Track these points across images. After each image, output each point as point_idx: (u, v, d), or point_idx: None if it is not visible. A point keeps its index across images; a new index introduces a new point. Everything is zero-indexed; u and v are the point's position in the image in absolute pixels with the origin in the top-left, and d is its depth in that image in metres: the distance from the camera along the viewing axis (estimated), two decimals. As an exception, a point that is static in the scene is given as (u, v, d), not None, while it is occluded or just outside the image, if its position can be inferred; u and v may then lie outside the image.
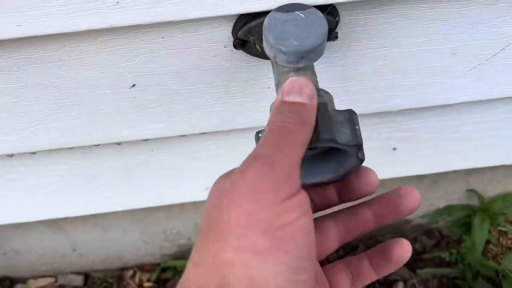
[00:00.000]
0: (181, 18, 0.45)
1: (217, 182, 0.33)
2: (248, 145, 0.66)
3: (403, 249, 0.39)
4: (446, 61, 0.57)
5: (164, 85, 0.55)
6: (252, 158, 0.31)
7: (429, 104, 0.62)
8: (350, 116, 0.39)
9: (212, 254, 0.28)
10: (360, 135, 0.39)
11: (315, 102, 0.36)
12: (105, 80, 0.53)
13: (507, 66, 0.58)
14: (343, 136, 0.37)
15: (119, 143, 0.65)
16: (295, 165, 0.31)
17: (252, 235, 0.27)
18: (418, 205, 0.40)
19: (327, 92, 0.43)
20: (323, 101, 0.39)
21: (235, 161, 0.76)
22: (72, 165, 0.69)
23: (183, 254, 1.10)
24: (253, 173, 0.29)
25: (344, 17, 0.49)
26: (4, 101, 0.54)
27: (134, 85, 0.54)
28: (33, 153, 0.64)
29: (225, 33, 0.49)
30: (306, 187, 0.33)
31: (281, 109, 0.34)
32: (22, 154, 0.64)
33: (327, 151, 0.42)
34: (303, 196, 0.30)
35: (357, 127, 0.39)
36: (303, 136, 0.33)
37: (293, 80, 0.36)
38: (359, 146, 0.39)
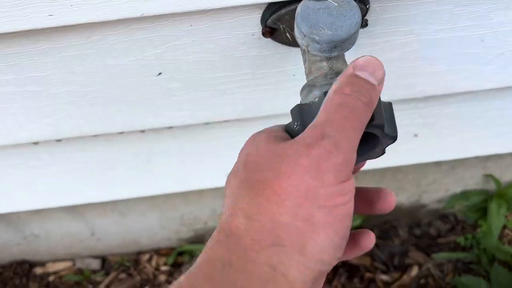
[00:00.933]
0: (212, 6, 0.44)
1: (271, 142, 0.33)
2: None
3: (370, 240, 0.39)
4: (474, 48, 0.56)
5: (190, 73, 0.55)
6: (320, 136, 0.31)
7: (454, 91, 0.62)
8: (390, 107, 0.39)
9: (268, 214, 0.29)
10: (396, 127, 0.39)
11: (382, 87, 0.36)
12: (132, 68, 0.53)
13: (536, 53, 0.57)
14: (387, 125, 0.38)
15: (143, 131, 0.65)
16: (355, 149, 0.32)
17: (310, 207, 0.29)
18: (390, 209, 0.41)
19: None
20: None
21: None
22: (95, 153, 0.69)
23: (199, 239, 1.11)
24: (319, 152, 0.30)
25: (374, 4, 0.49)
26: (31, 90, 0.54)
27: (160, 73, 0.54)
28: (58, 140, 0.64)
29: (254, 21, 0.49)
30: None
31: (353, 81, 0.34)
32: (47, 142, 0.64)
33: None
34: (353, 181, 0.32)
35: (394, 119, 0.39)
36: (367, 118, 0.33)
37: (368, 59, 0.35)
38: (395, 138, 0.39)
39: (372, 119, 0.35)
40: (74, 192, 0.78)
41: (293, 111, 0.40)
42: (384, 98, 0.43)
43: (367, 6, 0.48)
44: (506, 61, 0.58)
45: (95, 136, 0.64)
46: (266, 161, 0.31)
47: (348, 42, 0.43)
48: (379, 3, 0.49)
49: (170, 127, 0.64)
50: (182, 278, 0.28)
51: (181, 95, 0.58)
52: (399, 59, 0.57)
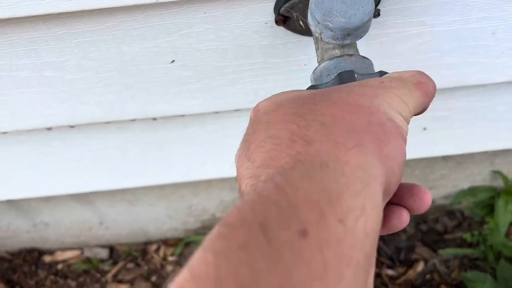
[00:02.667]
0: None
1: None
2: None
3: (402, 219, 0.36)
4: (485, 40, 0.56)
5: (203, 61, 0.55)
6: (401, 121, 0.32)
7: (465, 83, 0.62)
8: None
9: (345, 120, 0.29)
10: None
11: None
12: (145, 55, 0.54)
13: (548, 46, 0.57)
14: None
15: (154, 119, 0.66)
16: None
17: (382, 116, 0.30)
18: (425, 209, 0.38)
19: (366, 58, 0.43)
20: (348, 68, 0.40)
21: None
22: (107, 140, 0.70)
23: (206, 230, 1.12)
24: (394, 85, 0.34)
25: (388, -6, 0.49)
26: (47, 75, 0.55)
27: (173, 61, 0.55)
28: (72, 126, 0.65)
29: (267, 9, 0.49)
30: None
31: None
32: (60, 128, 0.65)
33: None
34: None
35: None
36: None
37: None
38: None
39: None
40: (85, 179, 0.79)
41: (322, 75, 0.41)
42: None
43: (380, -4, 0.48)
44: (517, 54, 0.58)
45: (108, 122, 0.65)
46: (326, 92, 0.33)
47: (361, 30, 0.43)
48: (392, -7, 0.49)
49: (182, 116, 0.65)
50: (276, 176, 0.26)
51: (193, 83, 0.58)
52: (411, 50, 0.57)
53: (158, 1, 0.44)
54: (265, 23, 0.51)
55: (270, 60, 0.56)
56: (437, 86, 0.64)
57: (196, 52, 0.54)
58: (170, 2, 0.45)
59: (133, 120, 0.65)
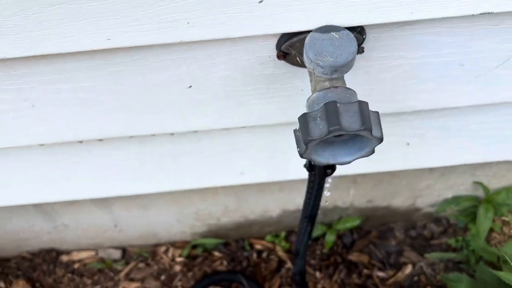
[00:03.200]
0: (241, 35, 0.55)
1: None
2: (280, 136, 0.77)
3: None
4: (455, 71, 0.66)
5: (215, 86, 0.65)
6: None
7: (439, 106, 0.72)
8: (377, 115, 0.49)
9: None
10: (369, 121, 0.49)
11: None
12: (167, 82, 0.64)
13: (509, 78, 0.67)
14: (352, 124, 0.48)
15: (172, 134, 0.76)
16: None
17: None
18: None
19: (349, 89, 0.53)
20: (333, 99, 0.50)
21: (267, 151, 0.86)
22: (129, 151, 0.80)
23: (212, 233, 1.21)
24: None
25: (370, 34, 0.59)
26: (82, 97, 0.65)
27: (190, 86, 0.65)
28: (100, 140, 0.75)
29: (271, 46, 0.60)
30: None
31: None
32: (90, 141, 0.75)
33: (350, 138, 0.53)
34: None
35: (380, 124, 0.49)
36: None
37: None
38: (381, 140, 0.49)
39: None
40: (106, 186, 0.89)
41: (300, 118, 0.51)
42: (380, 111, 0.53)
43: (364, 36, 0.58)
44: (483, 83, 0.68)
45: (131, 137, 0.75)
46: None
47: (346, 67, 0.53)
48: (374, 34, 0.59)
49: (195, 131, 0.75)
50: None
51: (206, 105, 0.68)
52: (392, 78, 0.67)
53: (182, 41, 0.55)
54: (269, 57, 0.61)
55: (272, 86, 0.66)
56: (416, 108, 0.74)
57: (210, 79, 0.64)
58: (191, 42, 0.56)
59: (153, 135, 0.75)
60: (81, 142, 0.75)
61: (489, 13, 0.54)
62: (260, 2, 0.51)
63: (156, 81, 0.64)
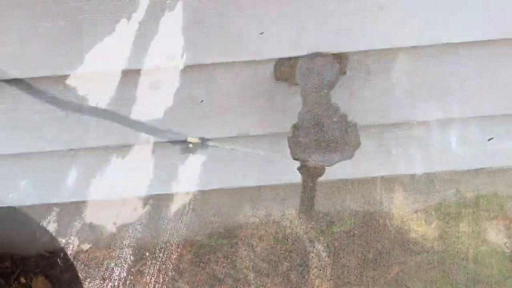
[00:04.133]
0: (247, 59, 0.68)
1: None
2: (276, 145, 0.89)
3: None
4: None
5: (222, 100, 0.78)
6: None
7: (413, 120, 0.84)
8: (355, 125, 0.62)
9: None
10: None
11: None
12: (181, 98, 0.76)
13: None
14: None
15: (184, 141, 0.88)
16: None
17: None
18: None
19: (334, 103, 0.65)
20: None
21: (268, 157, 0.97)
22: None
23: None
24: None
25: (353, 58, 0.72)
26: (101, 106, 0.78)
27: (202, 101, 0.77)
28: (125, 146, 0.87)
29: (270, 68, 0.72)
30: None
31: None
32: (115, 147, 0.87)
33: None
34: None
35: (358, 133, 0.62)
36: None
37: None
38: (358, 145, 0.62)
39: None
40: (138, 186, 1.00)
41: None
42: (361, 122, 0.64)
43: (346, 60, 0.71)
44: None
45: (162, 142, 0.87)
46: None
47: (332, 85, 0.66)
48: (357, 56, 0.72)
49: (204, 138, 0.87)
50: None
51: (215, 116, 0.80)
52: (372, 95, 0.79)
53: (198, 63, 0.67)
54: (267, 77, 0.74)
55: (270, 100, 0.79)
56: (394, 121, 0.86)
57: (218, 94, 0.76)
58: (203, 64, 0.68)
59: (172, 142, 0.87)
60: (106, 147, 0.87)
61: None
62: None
63: (170, 97, 0.76)
